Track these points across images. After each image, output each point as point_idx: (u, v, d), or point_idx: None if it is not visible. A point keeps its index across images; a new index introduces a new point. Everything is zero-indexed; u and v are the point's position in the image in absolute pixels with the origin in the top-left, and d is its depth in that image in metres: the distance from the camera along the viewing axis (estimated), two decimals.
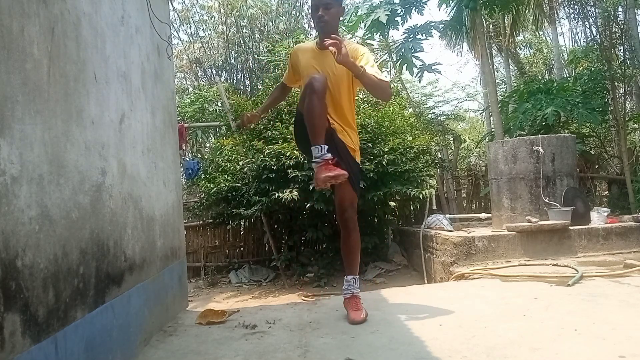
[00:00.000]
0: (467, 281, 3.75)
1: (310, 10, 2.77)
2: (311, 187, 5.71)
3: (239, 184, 6.42)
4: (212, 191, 6.52)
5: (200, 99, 9.42)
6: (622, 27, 8.03)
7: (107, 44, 2.09)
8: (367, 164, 5.82)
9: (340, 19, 2.83)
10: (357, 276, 2.75)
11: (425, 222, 5.80)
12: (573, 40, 13.72)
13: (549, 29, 12.56)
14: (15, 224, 1.28)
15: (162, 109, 3.05)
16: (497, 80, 12.53)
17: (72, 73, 1.70)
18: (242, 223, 7.26)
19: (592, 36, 8.83)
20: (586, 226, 4.72)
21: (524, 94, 7.80)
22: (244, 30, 12.46)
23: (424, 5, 7.56)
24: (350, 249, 2.72)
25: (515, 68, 14.19)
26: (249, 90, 11.98)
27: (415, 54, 7.56)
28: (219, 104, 9.16)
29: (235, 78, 12.78)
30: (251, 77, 12.56)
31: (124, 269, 2.10)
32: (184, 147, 5.93)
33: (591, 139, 8.50)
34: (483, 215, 6.77)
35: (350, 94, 2.76)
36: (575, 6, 9.02)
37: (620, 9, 8.30)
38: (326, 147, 2.44)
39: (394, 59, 8.33)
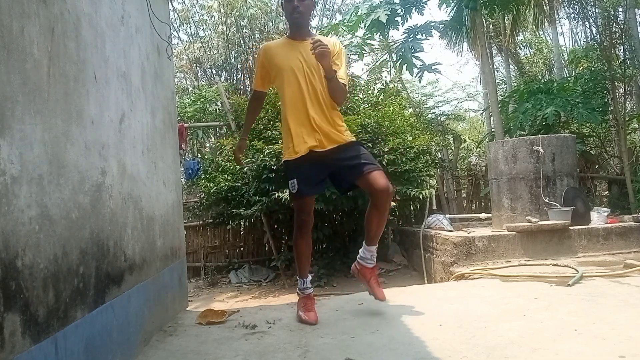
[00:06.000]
0: (467, 281, 3.75)
1: (282, 3, 2.77)
2: None
3: (239, 184, 6.42)
4: (212, 191, 6.52)
5: (201, 99, 9.42)
6: (622, 27, 8.03)
7: (107, 44, 2.09)
8: None
9: (312, 12, 2.89)
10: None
11: (425, 222, 5.80)
12: (573, 40, 13.72)
13: (549, 28, 12.55)
14: (15, 224, 1.28)
15: (162, 109, 3.05)
16: (497, 80, 12.52)
17: (72, 73, 1.70)
18: (242, 223, 7.25)
19: (592, 36, 8.82)
20: (586, 226, 4.71)
21: (524, 94, 7.80)
22: (244, 30, 12.46)
23: (424, 5, 7.55)
24: (383, 222, 2.69)
25: (515, 68, 14.18)
26: (249, 90, 11.98)
27: (415, 54, 7.55)
28: (219, 104, 9.16)
29: (235, 78, 12.77)
30: (251, 77, 12.54)
31: (124, 269, 2.10)
32: (184, 147, 5.92)
33: (591, 139, 8.49)
34: (483, 215, 6.77)
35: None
36: (576, 6, 9.00)
37: (620, 9, 8.29)
38: (309, 279, 2.79)
39: (394, 59, 8.33)
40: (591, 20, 8.58)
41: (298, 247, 2.77)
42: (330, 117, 2.69)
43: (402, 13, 7.56)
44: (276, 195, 5.73)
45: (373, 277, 2.71)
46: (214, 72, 12.83)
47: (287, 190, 5.65)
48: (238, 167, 6.41)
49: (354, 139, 2.76)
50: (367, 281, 2.71)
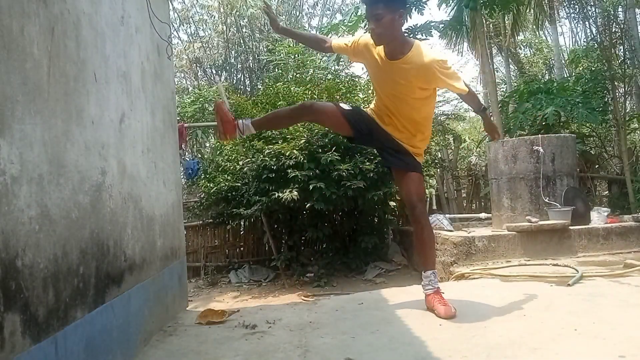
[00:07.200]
0: (467, 281, 3.75)
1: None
2: (311, 187, 5.71)
3: (239, 184, 6.42)
4: (212, 191, 6.51)
5: (200, 99, 9.42)
6: (622, 27, 8.02)
7: (107, 44, 2.09)
8: (367, 163, 5.82)
9: (402, 21, 2.55)
10: (436, 271, 2.67)
11: None
12: (573, 40, 13.73)
13: (549, 28, 12.55)
14: (15, 223, 1.28)
15: (162, 109, 3.05)
16: (497, 80, 12.51)
17: (72, 73, 1.70)
18: (242, 223, 7.26)
19: (592, 36, 8.83)
20: (586, 226, 4.72)
21: (524, 94, 7.80)
22: (244, 30, 12.46)
23: (424, 5, 7.55)
24: (426, 244, 2.66)
25: (515, 68, 14.17)
26: (249, 89, 11.99)
27: None
28: None
29: (235, 78, 12.78)
30: (251, 77, 12.56)
31: (123, 268, 2.10)
32: (183, 147, 5.92)
33: (591, 139, 8.50)
34: (483, 215, 6.77)
35: (422, 105, 2.65)
36: (576, 6, 9.00)
37: (620, 9, 8.28)
38: (251, 131, 2.73)
39: None
40: (591, 20, 8.59)
41: (280, 111, 2.83)
42: (406, 135, 2.67)
43: None
44: (276, 195, 5.73)
45: (436, 301, 2.57)
46: (214, 72, 12.83)
47: (287, 190, 5.70)
48: (238, 167, 6.40)
49: (416, 153, 2.71)
50: (431, 308, 2.59)
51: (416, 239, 2.73)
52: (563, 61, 12.16)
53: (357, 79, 8.39)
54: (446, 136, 10.37)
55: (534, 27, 12.08)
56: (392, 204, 6.84)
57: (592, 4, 8.40)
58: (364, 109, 2.83)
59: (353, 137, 2.79)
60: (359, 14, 7.75)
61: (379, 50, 2.56)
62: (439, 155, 9.40)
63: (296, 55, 8.23)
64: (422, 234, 2.65)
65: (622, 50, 8.04)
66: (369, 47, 2.60)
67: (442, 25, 8.57)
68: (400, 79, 2.51)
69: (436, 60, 2.47)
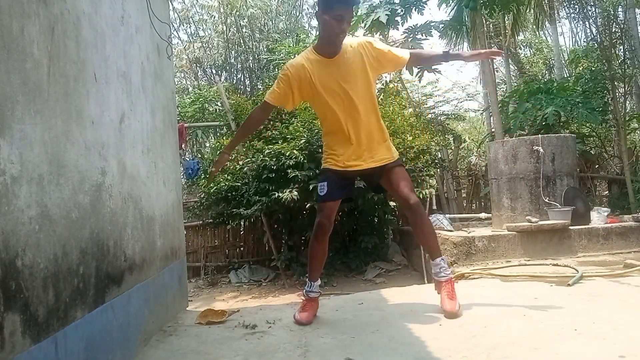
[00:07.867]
0: (467, 281, 3.75)
1: (322, 17, 2.48)
2: (311, 187, 5.71)
3: (239, 184, 6.42)
4: (212, 191, 6.52)
5: (200, 99, 9.42)
6: (622, 27, 8.02)
7: (107, 44, 2.09)
8: None
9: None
10: (444, 257, 2.69)
11: None
12: (573, 40, 13.73)
13: (550, 28, 12.55)
14: (15, 223, 1.28)
15: (162, 109, 3.05)
16: (497, 80, 12.51)
17: (72, 73, 1.70)
18: (242, 223, 7.26)
19: (592, 36, 8.83)
20: (586, 226, 4.72)
21: (524, 94, 7.79)
22: (244, 30, 12.46)
23: (424, 5, 7.55)
24: (428, 234, 2.67)
25: (515, 68, 14.17)
26: (249, 90, 11.99)
27: None
28: (219, 104, 9.16)
29: (235, 78, 12.78)
30: (251, 77, 12.56)
31: (123, 268, 2.10)
32: (183, 147, 5.91)
33: (591, 138, 8.50)
34: (483, 215, 6.77)
35: (371, 94, 2.64)
36: (576, 6, 9.00)
37: (620, 9, 8.29)
38: (318, 283, 2.75)
39: None
40: (591, 20, 8.58)
41: (312, 249, 2.72)
42: (371, 132, 2.61)
43: (402, 13, 7.56)
44: (276, 195, 5.73)
45: (445, 289, 2.62)
46: (214, 72, 12.83)
47: (287, 190, 5.71)
48: (238, 167, 6.41)
49: (395, 157, 2.69)
50: (439, 294, 2.66)
51: (417, 230, 2.70)
52: (563, 61, 12.16)
53: None
54: (446, 136, 10.37)
55: (534, 27, 12.08)
56: (392, 204, 6.84)
57: (592, 4, 8.40)
58: (327, 167, 2.69)
59: (347, 197, 2.86)
60: (358, 14, 7.74)
61: (315, 61, 2.57)
62: (439, 155, 9.40)
63: (296, 55, 8.23)
64: (421, 224, 2.65)
65: (622, 50, 8.04)
66: (305, 68, 2.56)
67: (442, 25, 8.56)
68: (347, 69, 2.54)
69: (366, 39, 2.64)
